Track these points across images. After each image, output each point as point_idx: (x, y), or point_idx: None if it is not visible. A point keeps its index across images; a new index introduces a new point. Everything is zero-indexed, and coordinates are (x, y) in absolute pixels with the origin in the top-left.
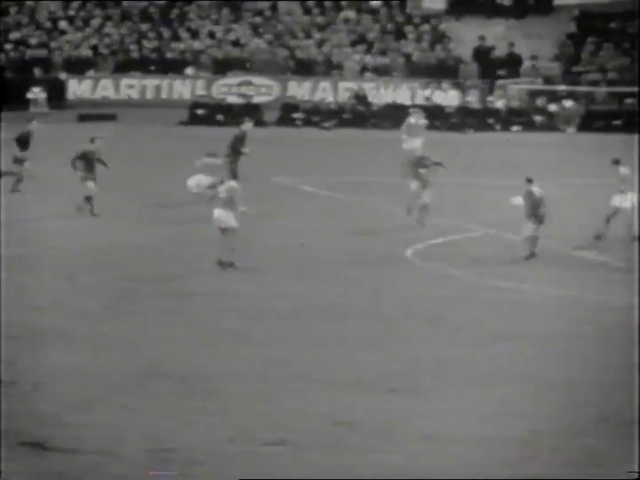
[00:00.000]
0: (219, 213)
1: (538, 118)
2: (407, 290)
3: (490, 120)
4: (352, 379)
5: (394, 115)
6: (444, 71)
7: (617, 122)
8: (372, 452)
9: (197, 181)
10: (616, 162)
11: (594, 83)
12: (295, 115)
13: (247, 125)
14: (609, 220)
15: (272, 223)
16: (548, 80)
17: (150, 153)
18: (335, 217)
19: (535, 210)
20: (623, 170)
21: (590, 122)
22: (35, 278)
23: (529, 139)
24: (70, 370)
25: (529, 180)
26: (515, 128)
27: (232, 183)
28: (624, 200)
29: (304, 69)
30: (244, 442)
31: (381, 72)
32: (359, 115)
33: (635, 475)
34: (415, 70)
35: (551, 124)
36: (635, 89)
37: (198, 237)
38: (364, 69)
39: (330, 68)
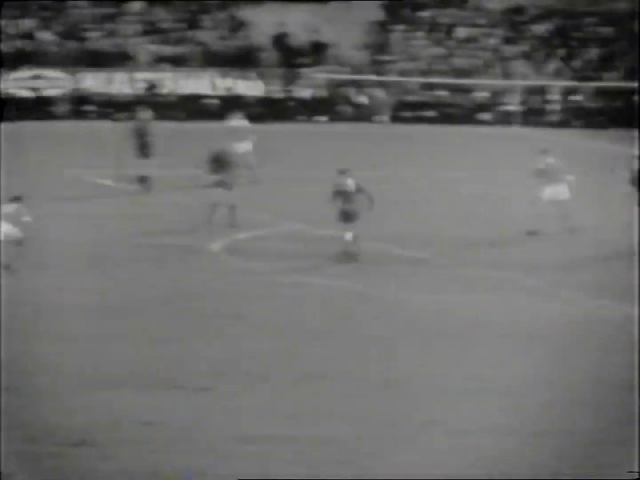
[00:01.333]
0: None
1: (344, 108)
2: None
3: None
4: (154, 376)
5: (191, 106)
6: (243, 60)
7: (430, 114)
8: (181, 452)
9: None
10: (544, 151)
11: (405, 73)
12: (88, 107)
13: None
14: None
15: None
16: (355, 69)
17: None
18: (137, 210)
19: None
20: (549, 160)
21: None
22: None
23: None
24: None
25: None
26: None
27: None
28: (556, 192)
29: (97, 60)
30: (45, 443)
31: (178, 62)
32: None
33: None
34: (213, 60)
35: (359, 114)
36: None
37: None
38: (159, 59)
39: (125, 59)
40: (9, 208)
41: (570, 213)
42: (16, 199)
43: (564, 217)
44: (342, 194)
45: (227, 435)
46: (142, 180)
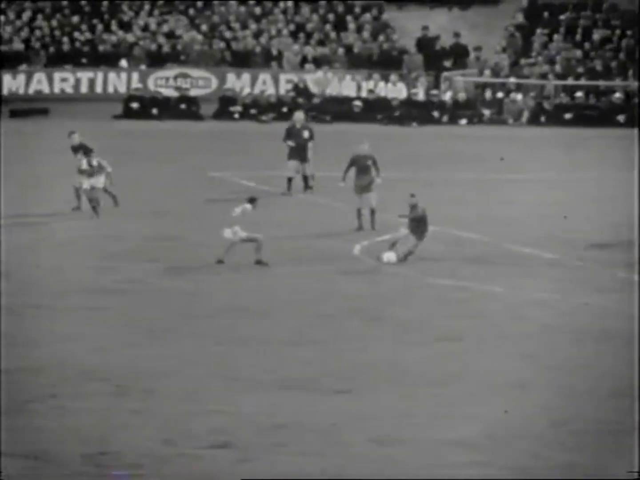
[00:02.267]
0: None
1: (486, 111)
2: (352, 286)
3: (436, 113)
4: (294, 378)
5: (337, 108)
6: (387, 62)
7: (568, 116)
8: (317, 454)
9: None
10: None
11: (543, 76)
12: (233, 108)
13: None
14: None
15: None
16: (495, 72)
17: None
18: (279, 213)
19: (417, 225)
20: None
21: (540, 115)
22: None
23: (477, 132)
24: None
25: (412, 195)
26: (462, 121)
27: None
28: None
29: (242, 60)
30: (183, 445)
31: (321, 63)
32: (299, 107)
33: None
34: (357, 62)
35: (500, 117)
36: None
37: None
38: (304, 60)
39: (269, 59)
40: (239, 209)
41: None
42: (251, 200)
43: None
44: (414, 214)
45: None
46: (296, 181)
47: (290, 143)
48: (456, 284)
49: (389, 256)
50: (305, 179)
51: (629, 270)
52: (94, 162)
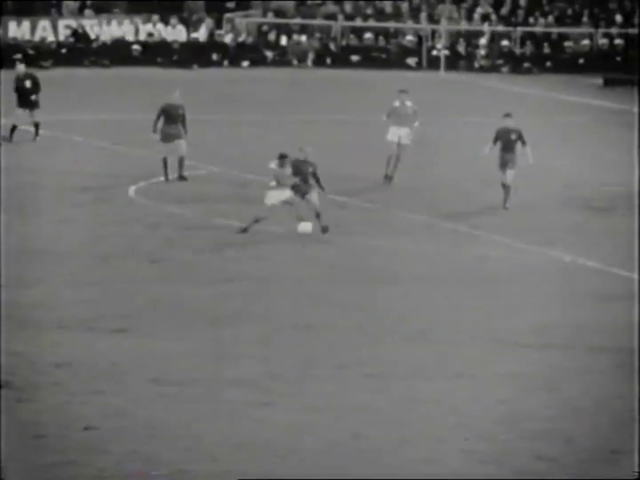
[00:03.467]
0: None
1: (269, 53)
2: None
3: (217, 56)
4: (72, 318)
5: (115, 52)
6: (168, 6)
7: (356, 58)
8: (97, 393)
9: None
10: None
11: (331, 17)
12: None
13: None
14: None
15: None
16: (280, 13)
17: None
18: (60, 156)
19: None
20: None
21: (326, 57)
22: None
23: (260, 74)
24: None
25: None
26: (245, 63)
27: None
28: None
29: (22, 8)
30: None
31: (101, 9)
32: (79, 52)
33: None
34: (137, 7)
35: (284, 59)
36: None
37: None
38: (82, 6)
39: (49, 7)
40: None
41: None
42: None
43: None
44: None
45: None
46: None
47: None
48: (238, 225)
49: (305, 226)
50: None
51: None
52: None
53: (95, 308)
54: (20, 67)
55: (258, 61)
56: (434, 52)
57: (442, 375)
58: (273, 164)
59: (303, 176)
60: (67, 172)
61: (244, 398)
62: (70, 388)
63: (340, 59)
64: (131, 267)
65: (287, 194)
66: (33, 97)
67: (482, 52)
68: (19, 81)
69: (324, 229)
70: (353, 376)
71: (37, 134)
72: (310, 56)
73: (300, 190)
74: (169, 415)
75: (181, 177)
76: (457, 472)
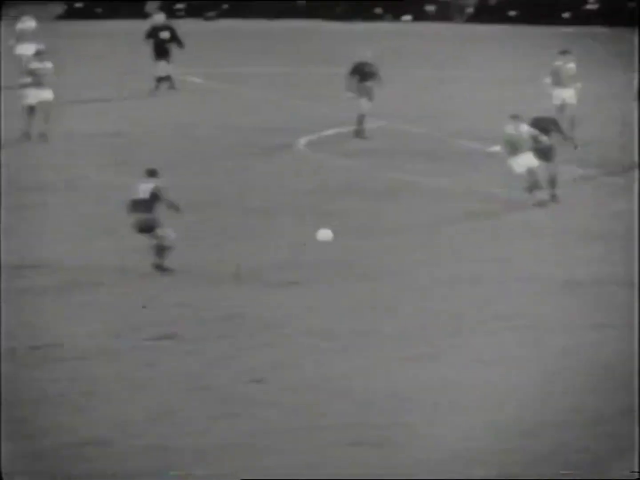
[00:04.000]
0: None
1: (429, 7)
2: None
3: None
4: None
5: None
6: None
7: (512, 13)
8: (264, 346)
9: None
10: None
11: None
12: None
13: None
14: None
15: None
16: None
17: None
18: (230, 109)
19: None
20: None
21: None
22: None
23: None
24: None
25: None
26: (406, 18)
27: None
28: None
29: None
30: (130, 337)
31: None
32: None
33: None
34: None
35: (444, 14)
36: None
37: None
38: None
39: None
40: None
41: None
42: None
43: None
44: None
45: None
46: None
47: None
48: (405, 177)
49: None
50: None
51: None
52: None
53: (264, 261)
54: (159, 17)
55: (419, 15)
56: None
57: None
58: (509, 127)
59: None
60: (236, 125)
61: (401, 352)
62: (238, 341)
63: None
64: (297, 221)
65: (531, 160)
66: (167, 47)
67: None
68: (154, 31)
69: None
70: (503, 329)
71: (171, 86)
72: (468, 11)
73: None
74: (333, 368)
75: (358, 133)
76: None
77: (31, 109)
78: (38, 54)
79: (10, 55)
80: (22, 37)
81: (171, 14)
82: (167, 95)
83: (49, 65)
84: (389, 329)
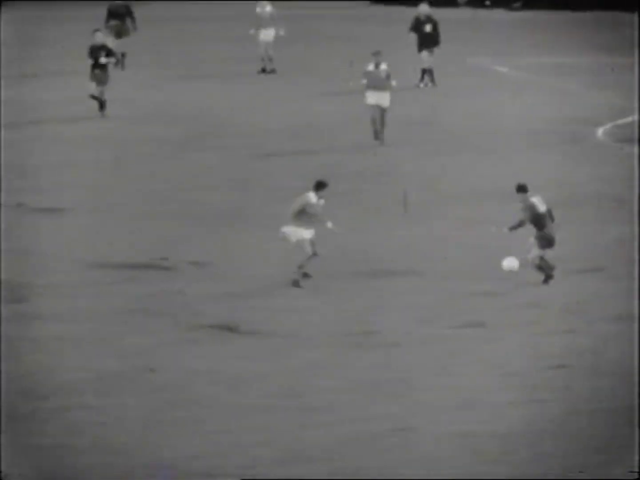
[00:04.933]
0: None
1: None
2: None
3: None
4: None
5: None
6: None
7: None
8: (566, 332)
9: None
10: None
11: None
12: None
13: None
14: None
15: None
16: None
17: None
18: (524, 98)
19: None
20: None
21: None
22: None
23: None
24: None
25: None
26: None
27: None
28: None
29: None
30: (434, 325)
31: None
32: None
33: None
34: None
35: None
36: None
37: None
38: None
39: None
40: None
41: None
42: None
43: None
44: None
45: None
46: None
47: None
48: None
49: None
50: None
51: None
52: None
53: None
54: (424, 8)
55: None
56: None
57: None
58: None
59: None
60: (524, 115)
61: None
62: (541, 326)
63: None
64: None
65: None
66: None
67: None
68: (419, 23)
69: None
70: None
71: (431, 80)
72: None
73: None
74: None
75: None
76: None
77: None
78: None
79: None
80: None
81: (478, 4)
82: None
83: None
84: None
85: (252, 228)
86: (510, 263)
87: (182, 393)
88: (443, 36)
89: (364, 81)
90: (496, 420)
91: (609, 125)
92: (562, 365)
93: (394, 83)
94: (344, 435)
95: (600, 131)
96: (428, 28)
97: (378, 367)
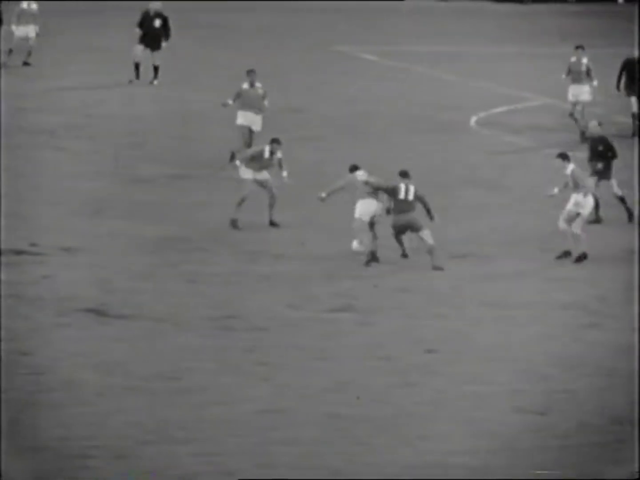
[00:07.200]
0: None
1: None
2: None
3: None
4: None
5: None
6: None
7: None
8: (436, 317)
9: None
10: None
11: None
12: None
13: None
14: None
15: None
16: None
17: None
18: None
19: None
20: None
21: None
22: None
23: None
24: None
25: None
26: None
27: None
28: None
29: None
30: (306, 308)
31: None
32: None
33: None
34: None
35: None
36: None
37: None
38: None
39: None
40: None
41: None
42: None
43: None
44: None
45: None
46: None
47: None
48: None
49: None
50: None
51: None
52: None
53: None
54: (155, 4)
55: None
56: None
57: None
58: None
59: None
60: (405, 101)
61: (573, 320)
62: (411, 311)
63: None
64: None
65: None
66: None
67: None
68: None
69: None
70: None
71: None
72: None
73: None
74: (503, 337)
75: None
76: None
77: None
78: None
79: None
80: None
81: None
82: None
83: None
84: None
85: (122, 215)
86: (357, 244)
87: (55, 375)
88: (310, 24)
89: (230, 101)
90: (368, 404)
91: (482, 114)
92: (430, 350)
93: (266, 103)
94: (214, 417)
95: (473, 119)
96: (157, 23)
97: (249, 350)
